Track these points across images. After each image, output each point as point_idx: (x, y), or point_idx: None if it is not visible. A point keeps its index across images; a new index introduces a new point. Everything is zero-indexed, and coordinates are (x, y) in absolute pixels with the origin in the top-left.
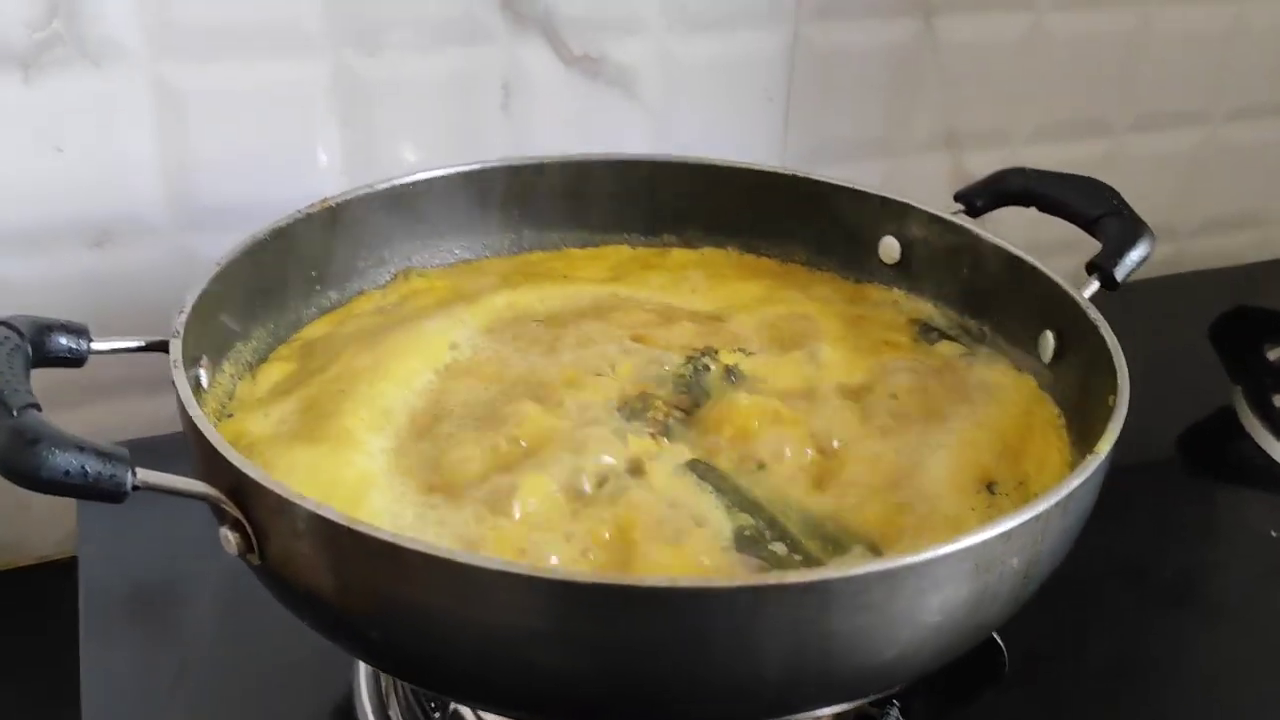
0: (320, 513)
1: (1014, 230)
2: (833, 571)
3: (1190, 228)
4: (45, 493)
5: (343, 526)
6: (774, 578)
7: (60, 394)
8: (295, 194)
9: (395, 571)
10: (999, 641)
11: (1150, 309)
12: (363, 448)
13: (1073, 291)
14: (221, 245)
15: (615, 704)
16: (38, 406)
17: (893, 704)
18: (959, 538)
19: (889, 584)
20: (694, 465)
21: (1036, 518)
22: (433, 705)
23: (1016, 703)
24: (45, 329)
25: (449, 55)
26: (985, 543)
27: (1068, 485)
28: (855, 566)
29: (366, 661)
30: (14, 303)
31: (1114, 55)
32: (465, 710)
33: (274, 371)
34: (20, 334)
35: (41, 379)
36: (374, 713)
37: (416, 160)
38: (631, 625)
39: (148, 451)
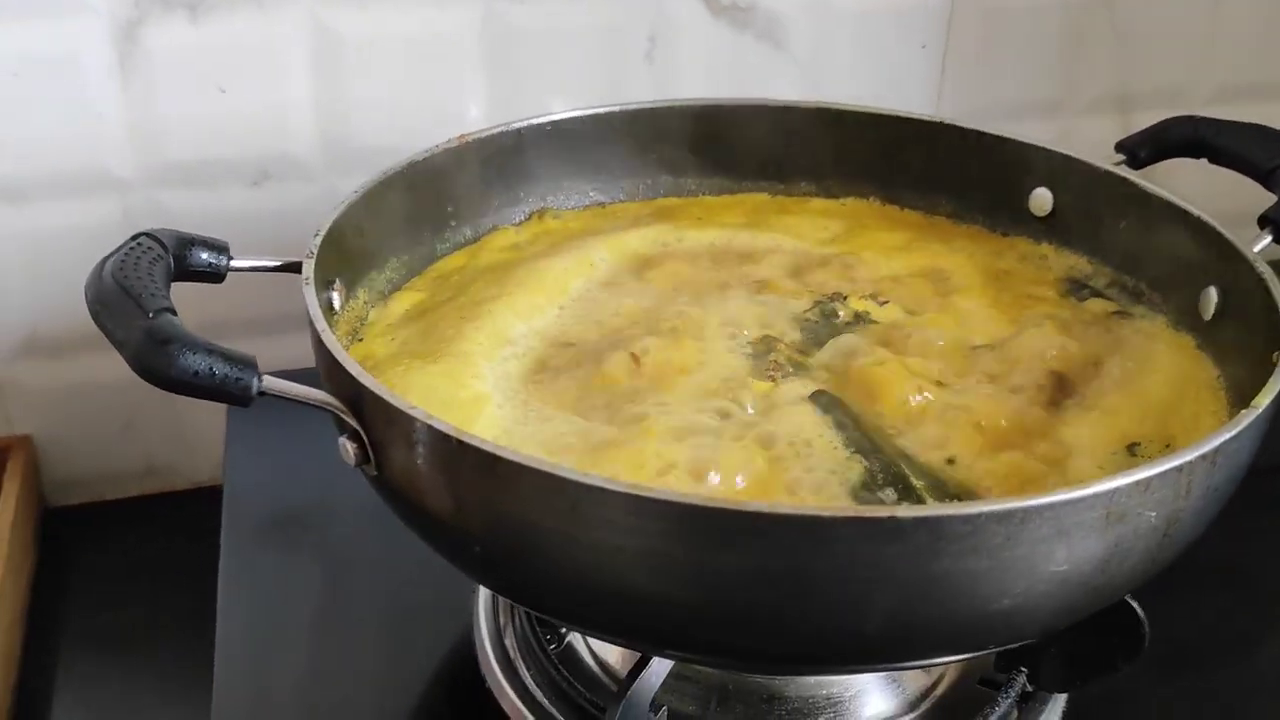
0: (432, 424)
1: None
2: (945, 509)
3: None
4: (176, 391)
5: (453, 438)
6: (881, 510)
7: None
8: (443, 139)
9: (501, 485)
10: (1139, 612)
11: None
12: (479, 371)
13: (1240, 245)
14: None
15: (716, 637)
16: (173, 311)
17: (1020, 670)
18: (1090, 483)
19: (1005, 527)
20: (818, 397)
21: (1179, 468)
22: (547, 637)
23: (1155, 681)
24: (189, 243)
25: (595, 3)
26: (1118, 490)
27: (1218, 437)
28: (969, 506)
29: (474, 578)
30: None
31: None
32: (577, 639)
33: (405, 300)
34: (164, 245)
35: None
36: (490, 641)
37: (561, 109)
38: (732, 552)
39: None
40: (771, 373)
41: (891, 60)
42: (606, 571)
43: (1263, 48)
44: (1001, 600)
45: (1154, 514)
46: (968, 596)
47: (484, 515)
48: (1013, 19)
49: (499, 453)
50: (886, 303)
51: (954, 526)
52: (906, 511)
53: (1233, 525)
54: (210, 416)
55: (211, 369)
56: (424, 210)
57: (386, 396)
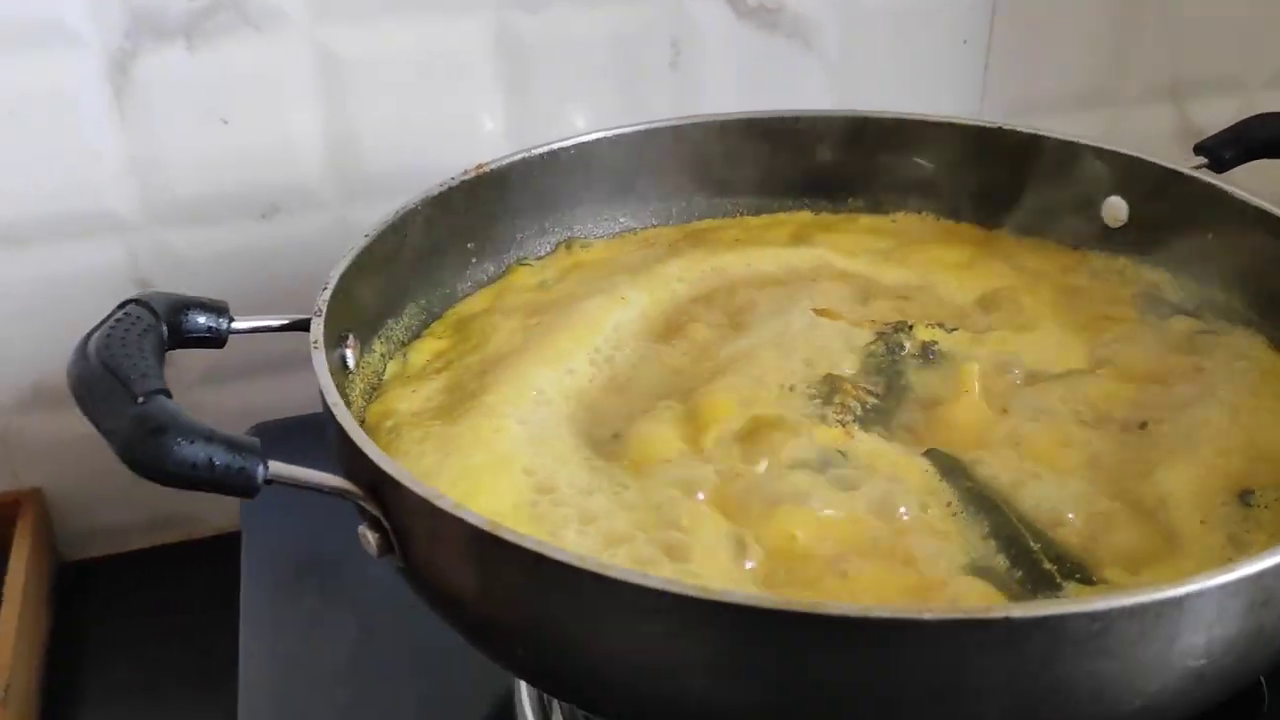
0: (465, 518)
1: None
2: (1067, 606)
3: None
4: (170, 485)
5: (487, 533)
6: (985, 610)
7: (208, 371)
8: (459, 162)
9: (542, 583)
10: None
11: None
12: (507, 432)
13: None
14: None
15: None
16: (167, 392)
17: None
18: (1233, 565)
19: (1139, 622)
20: (931, 454)
21: None
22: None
23: None
24: (183, 307)
25: (615, 11)
26: (1264, 572)
27: None
28: (1094, 600)
29: (512, 672)
30: (186, 276)
31: None
32: None
33: (426, 349)
34: (155, 313)
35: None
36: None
37: (583, 124)
38: (809, 657)
39: (298, 430)
40: (841, 419)
41: (929, 57)
42: (659, 673)
43: None
44: (1133, 702)
45: None
46: (1092, 703)
47: (521, 613)
48: (1058, 7)
49: (544, 551)
50: (955, 329)
51: (1079, 625)
52: (1022, 611)
53: None
54: None
55: (211, 460)
56: (442, 249)
57: (412, 485)
